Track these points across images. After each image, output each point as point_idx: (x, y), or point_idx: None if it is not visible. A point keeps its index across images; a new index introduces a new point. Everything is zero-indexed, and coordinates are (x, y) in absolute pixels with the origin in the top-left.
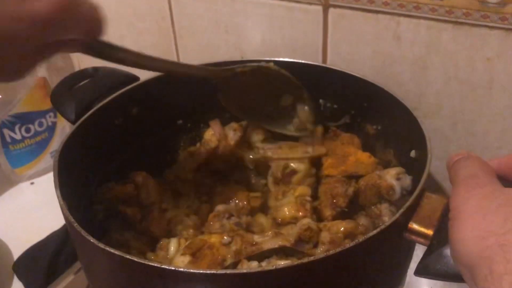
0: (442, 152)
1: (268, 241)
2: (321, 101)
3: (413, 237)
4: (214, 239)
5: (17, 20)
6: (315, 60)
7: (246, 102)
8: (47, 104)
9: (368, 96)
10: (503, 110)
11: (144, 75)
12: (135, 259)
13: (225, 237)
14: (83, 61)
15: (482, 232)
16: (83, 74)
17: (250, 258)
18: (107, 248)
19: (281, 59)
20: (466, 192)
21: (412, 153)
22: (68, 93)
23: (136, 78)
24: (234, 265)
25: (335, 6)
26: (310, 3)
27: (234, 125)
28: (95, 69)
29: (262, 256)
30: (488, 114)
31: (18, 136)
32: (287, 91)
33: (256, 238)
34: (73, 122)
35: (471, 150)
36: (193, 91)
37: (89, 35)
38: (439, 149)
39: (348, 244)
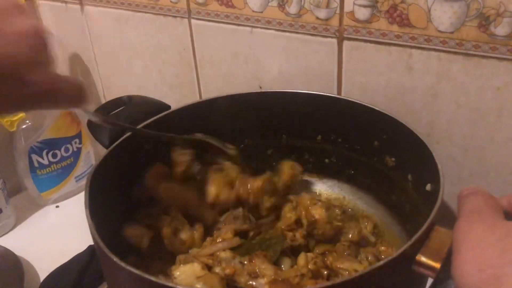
0: (455, 178)
1: None
2: (332, 137)
3: (421, 269)
4: None
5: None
6: (330, 89)
7: None
8: (73, 131)
9: (385, 128)
10: None
11: (175, 104)
12: (153, 279)
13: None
14: (108, 90)
15: (481, 265)
16: (118, 102)
17: None
18: (128, 267)
19: (298, 90)
20: (467, 226)
21: (428, 187)
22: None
23: (167, 107)
24: None
25: (349, 39)
26: (325, 36)
27: None
28: (130, 98)
29: None
30: (498, 141)
31: (45, 161)
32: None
33: None
34: (107, 147)
35: (483, 176)
36: (216, 120)
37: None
38: (452, 174)
39: (355, 274)
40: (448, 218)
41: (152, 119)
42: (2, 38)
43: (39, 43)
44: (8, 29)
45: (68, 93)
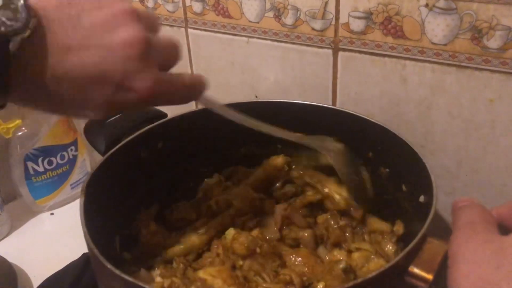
0: (449, 189)
1: None
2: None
3: (413, 280)
4: None
5: (110, 50)
6: (325, 99)
7: None
8: (69, 138)
9: (380, 139)
10: (506, 149)
11: (171, 112)
12: (147, 287)
13: None
14: None
15: (477, 279)
16: None
17: None
18: (122, 275)
19: (293, 100)
20: (462, 240)
21: (421, 199)
22: (100, 127)
23: (164, 115)
24: None
25: (344, 50)
26: (320, 47)
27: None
28: None
29: None
30: (492, 152)
31: (40, 169)
32: None
33: None
34: (103, 154)
35: (477, 187)
36: (211, 129)
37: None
38: (446, 185)
39: (346, 285)
40: (442, 229)
41: (148, 126)
42: (106, 52)
43: (142, 52)
44: (112, 41)
45: (179, 94)
